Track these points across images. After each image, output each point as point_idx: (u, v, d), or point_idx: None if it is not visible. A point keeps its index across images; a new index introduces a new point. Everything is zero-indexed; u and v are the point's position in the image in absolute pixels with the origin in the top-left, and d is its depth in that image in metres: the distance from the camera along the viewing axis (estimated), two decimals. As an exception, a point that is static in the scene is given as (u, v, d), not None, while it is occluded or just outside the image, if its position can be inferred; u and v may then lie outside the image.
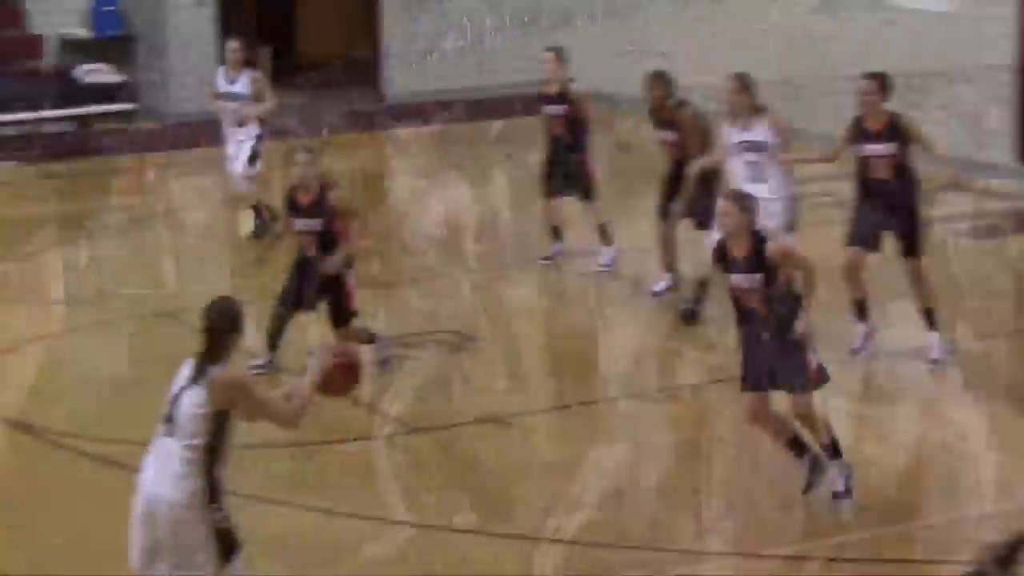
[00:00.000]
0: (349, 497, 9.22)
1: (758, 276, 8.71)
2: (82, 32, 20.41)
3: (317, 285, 11.02)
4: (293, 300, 11.15)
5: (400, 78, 21.37)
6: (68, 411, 10.79)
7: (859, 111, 11.29)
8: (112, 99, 19.48)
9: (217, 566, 6.79)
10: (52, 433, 10.22)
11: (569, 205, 13.96)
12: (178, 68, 20.14)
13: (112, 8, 20.45)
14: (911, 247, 11.27)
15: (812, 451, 9.04)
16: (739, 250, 8.78)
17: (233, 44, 15.00)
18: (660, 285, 12.95)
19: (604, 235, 13.76)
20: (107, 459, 9.32)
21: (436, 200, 16.38)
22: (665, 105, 12.67)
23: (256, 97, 14.77)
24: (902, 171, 11.19)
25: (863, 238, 11.33)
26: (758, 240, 8.75)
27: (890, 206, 11.22)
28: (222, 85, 14.85)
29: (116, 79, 19.82)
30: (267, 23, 21.72)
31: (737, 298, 8.86)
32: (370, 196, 16.24)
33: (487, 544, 8.69)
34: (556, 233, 14.02)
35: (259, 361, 10.98)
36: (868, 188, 11.30)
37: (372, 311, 11.86)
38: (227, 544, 6.82)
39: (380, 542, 8.71)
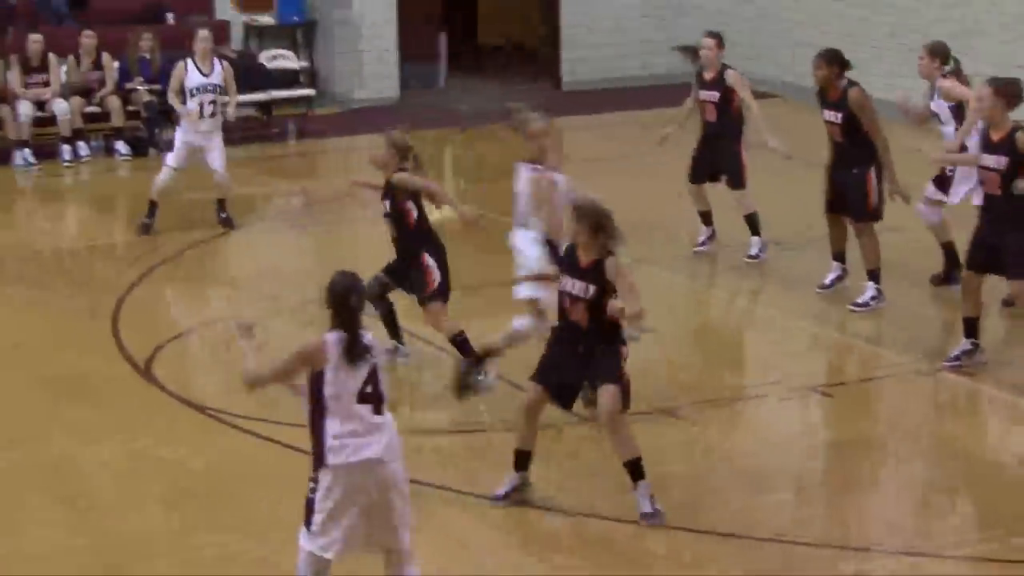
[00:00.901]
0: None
1: (591, 287, 8.77)
2: (266, 18, 20.76)
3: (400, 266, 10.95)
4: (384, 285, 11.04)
5: (577, 66, 21.41)
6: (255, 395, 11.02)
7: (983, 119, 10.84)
8: (294, 84, 19.78)
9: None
10: (237, 416, 10.41)
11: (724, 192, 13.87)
12: (360, 54, 20.40)
13: (298, -6, 20.81)
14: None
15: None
16: (584, 259, 8.84)
17: (203, 33, 14.87)
18: (830, 277, 12.82)
19: (752, 225, 13.70)
20: (292, 444, 9.41)
21: (600, 188, 16.34)
22: (834, 85, 12.42)
23: (227, 89, 14.78)
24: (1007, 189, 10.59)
25: (977, 263, 10.91)
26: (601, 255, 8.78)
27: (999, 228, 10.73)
28: (195, 78, 14.70)
29: (298, 65, 20.13)
30: (449, 10, 21.88)
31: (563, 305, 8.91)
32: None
33: (678, 539, 8.70)
34: (705, 219, 13.97)
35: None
36: (983, 203, 10.95)
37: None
38: None
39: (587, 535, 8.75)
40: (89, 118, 17.95)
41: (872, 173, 12.19)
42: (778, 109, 17.40)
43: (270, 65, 19.74)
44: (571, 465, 9.59)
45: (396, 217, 10.84)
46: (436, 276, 10.79)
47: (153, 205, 14.83)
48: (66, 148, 17.66)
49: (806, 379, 11.15)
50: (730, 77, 13.55)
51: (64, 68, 18.08)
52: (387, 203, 10.87)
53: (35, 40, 17.84)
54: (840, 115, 12.20)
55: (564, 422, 9.85)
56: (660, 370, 11.15)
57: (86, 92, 17.94)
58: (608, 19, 21.40)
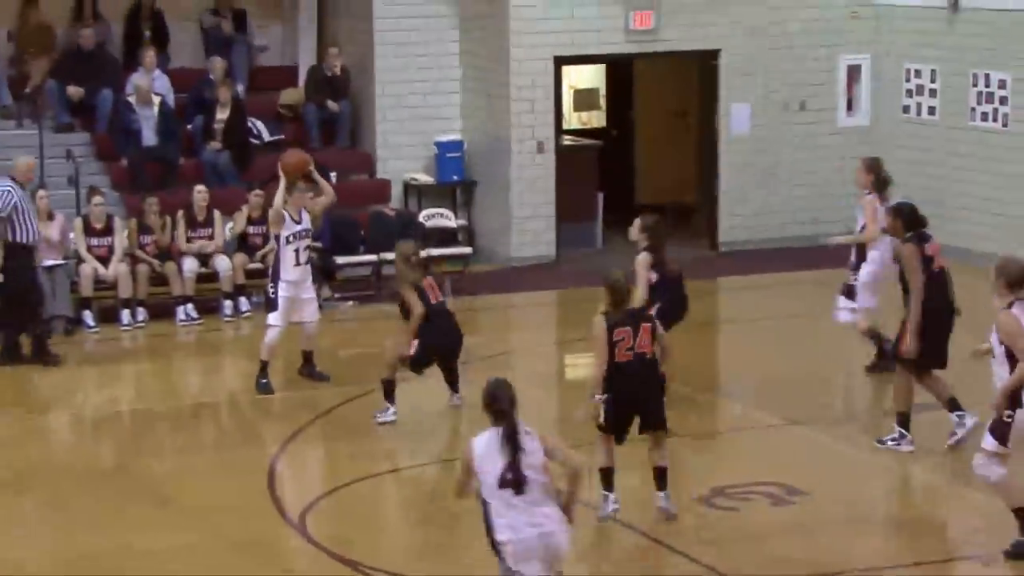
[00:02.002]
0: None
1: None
2: (426, 177, 21.05)
3: None
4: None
5: (734, 227, 21.37)
6: (392, 546, 11.00)
7: None
8: (451, 242, 19.97)
9: None
10: (368, 568, 10.36)
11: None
12: (516, 213, 20.56)
13: (458, 155, 21.05)
14: None
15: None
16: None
17: (302, 185, 15.13)
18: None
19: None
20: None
21: (762, 348, 16.25)
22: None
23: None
24: None
25: None
26: None
27: None
28: (291, 225, 14.86)
29: (456, 223, 20.34)
30: (607, 170, 22.01)
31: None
32: (699, 344, 16.17)
33: None
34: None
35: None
36: None
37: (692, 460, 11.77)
38: None
39: None
40: (250, 274, 18.23)
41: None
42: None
43: (428, 223, 19.97)
44: None
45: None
46: None
47: (265, 364, 14.96)
48: (227, 303, 17.94)
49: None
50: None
51: (229, 225, 18.43)
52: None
53: (200, 191, 18.23)
54: None
55: None
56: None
57: (249, 248, 18.25)
58: (762, 180, 21.37)
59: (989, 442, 10.55)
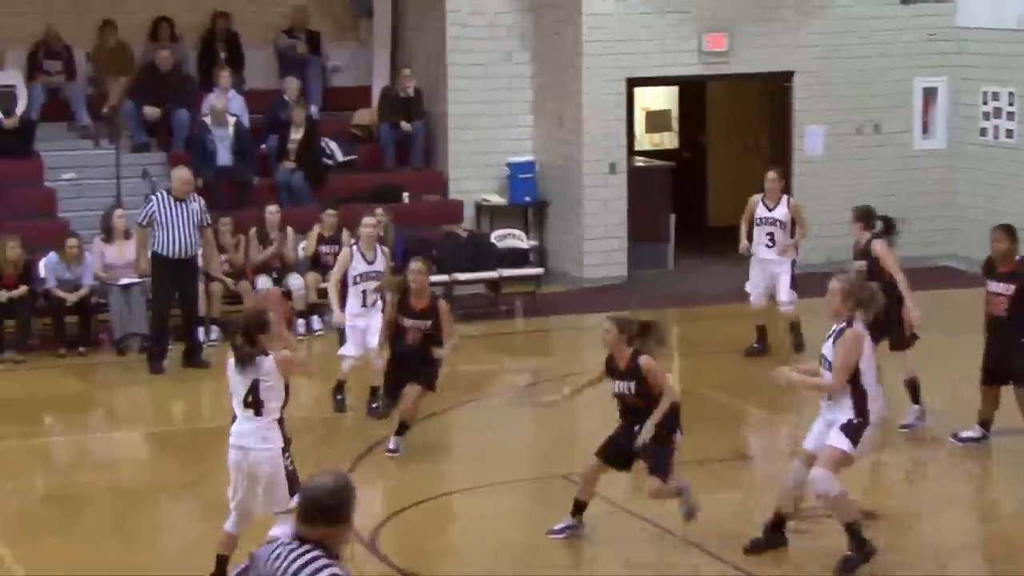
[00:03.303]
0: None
1: (633, 383, 11.14)
2: (498, 198, 21.09)
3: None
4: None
5: (807, 249, 21.26)
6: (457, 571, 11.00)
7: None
8: (523, 263, 19.99)
9: None
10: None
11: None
12: (588, 234, 20.56)
13: (530, 176, 21.09)
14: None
15: None
16: (621, 363, 11.21)
17: (368, 220, 14.93)
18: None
19: (913, 391, 13.74)
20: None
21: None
22: (1010, 259, 12.96)
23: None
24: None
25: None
26: (634, 355, 11.14)
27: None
28: (360, 266, 14.70)
29: (527, 244, 20.37)
30: (679, 192, 21.98)
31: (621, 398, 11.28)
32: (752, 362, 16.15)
33: None
34: (912, 393, 13.85)
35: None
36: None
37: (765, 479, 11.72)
38: None
39: None
40: (322, 293, 18.30)
41: None
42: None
43: (500, 244, 20.00)
44: None
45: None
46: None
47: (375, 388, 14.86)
48: (300, 322, 18.01)
49: None
50: (875, 249, 14.06)
51: (302, 244, 18.52)
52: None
53: (272, 211, 18.34)
54: (1012, 287, 12.71)
55: None
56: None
57: (322, 268, 18.34)
58: (835, 203, 21.26)
59: (840, 441, 10.51)
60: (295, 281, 18.14)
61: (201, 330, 17.44)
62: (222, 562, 10.50)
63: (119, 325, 17.25)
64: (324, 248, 18.40)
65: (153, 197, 16.69)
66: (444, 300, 14.04)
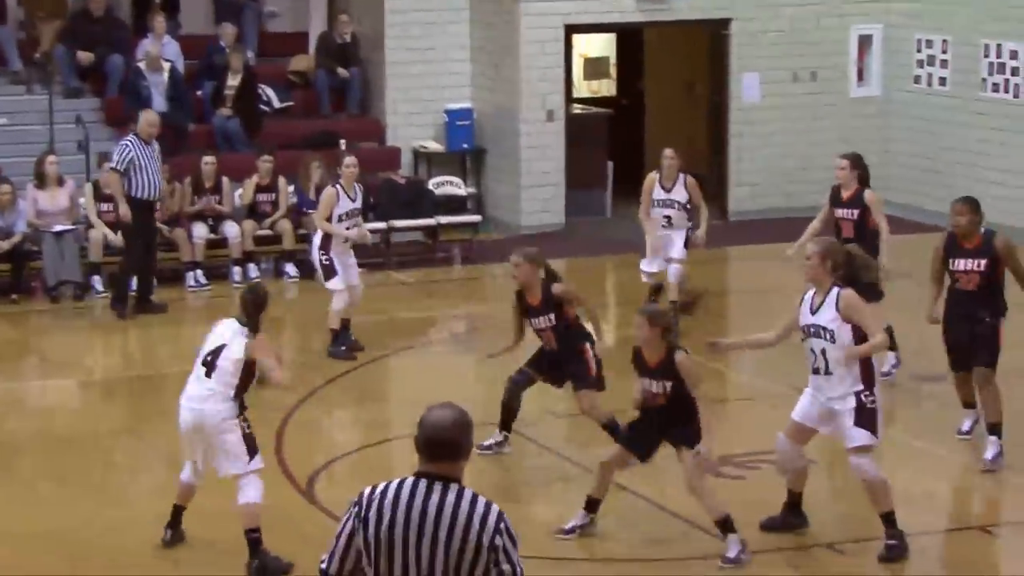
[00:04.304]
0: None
1: (668, 383, 10.07)
2: (435, 145, 21.03)
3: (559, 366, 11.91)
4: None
5: (743, 196, 21.37)
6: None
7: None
8: (460, 210, 19.98)
9: None
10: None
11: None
12: (525, 181, 20.55)
13: (467, 123, 21.03)
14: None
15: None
16: (652, 358, 10.11)
17: (350, 159, 15.19)
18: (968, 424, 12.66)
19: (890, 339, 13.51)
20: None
21: (770, 318, 16.21)
22: (975, 232, 12.04)
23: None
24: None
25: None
26: (668, 351, 10.05)
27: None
28: (345, 204, 14.92)
29: (465, 191, 20.35)
30: (617, 139, 21.98)
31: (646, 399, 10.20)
32: (708, 313, 16.18)
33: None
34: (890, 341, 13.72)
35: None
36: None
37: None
38: None
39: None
40: (259, 240, 18.24)
41: (1002, 323, 12.01)
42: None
43: (438, 191, 19.97)
44: None
45: (560, 323, 11.64)
46: (594, 367, 11.71)
47: (337, 332, 14.95)
48: (236, 270, 17.94)
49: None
50: (867, 197, 13.81)
51: (238, 192, 18.42)
52: (551, 316, 11.65)
53: (208, 162, 18.22)
54: (983, 261, 11.92)
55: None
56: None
57: (258, 216, 18.26)
58: (771, 150, 21.34)
59: (862, 436, 10.10)
60: (231, 229, 18.04)
61: (190, 275, 17.59)
62: (177, 511, 10.49)
63: (52, 272, 17.12)
64: (261, 196, 18.32)
65: (127, 141, 16.54)
66: (558, 284, 11.97)
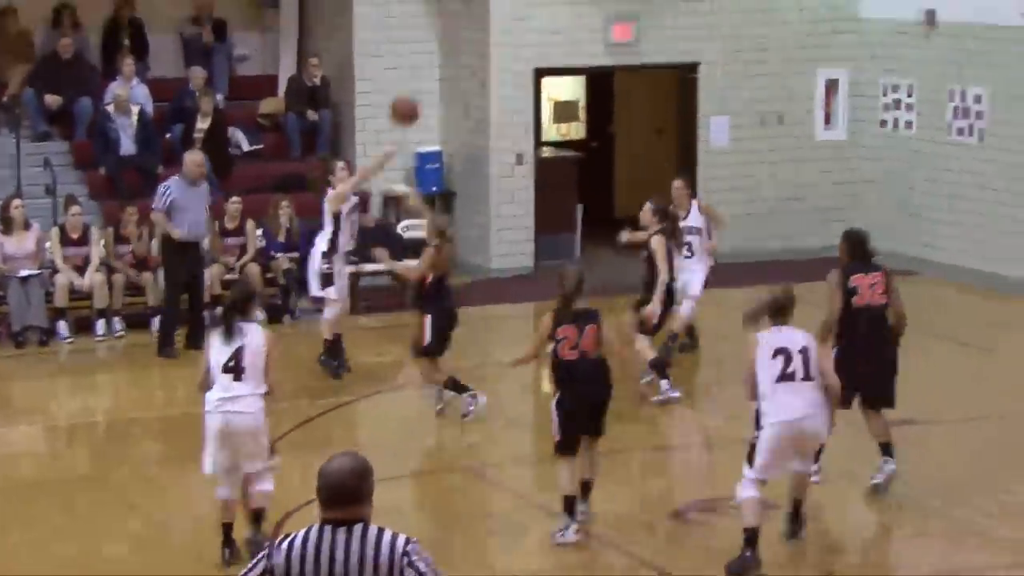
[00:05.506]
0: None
1: None
2: (405, 188, 20.94)
3: None
4: None
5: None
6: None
7: None
8: (429, 254, 19.93)
9: None
10: None
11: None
12: (495, 225, 20.57)
13: (437, 166, 21.06)
14: None
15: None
16: None
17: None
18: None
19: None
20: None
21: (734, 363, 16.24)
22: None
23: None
24: None
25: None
26: None
27: None
28: (350, 199, 15.67)
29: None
30: (586, 182, 22.03)
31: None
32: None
33: None
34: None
35: None
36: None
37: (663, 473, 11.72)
38: None
39: None
40: (226, 285, 18.19)
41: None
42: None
43: (407, 234, 19.95)
44: None
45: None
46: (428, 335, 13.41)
47: (330, 343, 15.41)
48: (205, 314, 17.86)
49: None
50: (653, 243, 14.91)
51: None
52: None
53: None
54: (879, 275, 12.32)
55: None
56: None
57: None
58: (743, 193, 21.42)
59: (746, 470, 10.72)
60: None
61: (101, 323, 17.38)
62: (228, 529, 10.81)
63: (17, 318, 17.06)
64: (229, 240, 18.31)
65: (169, 183, 16.85)
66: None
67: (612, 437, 11.90)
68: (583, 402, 11.22)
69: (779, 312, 10.78)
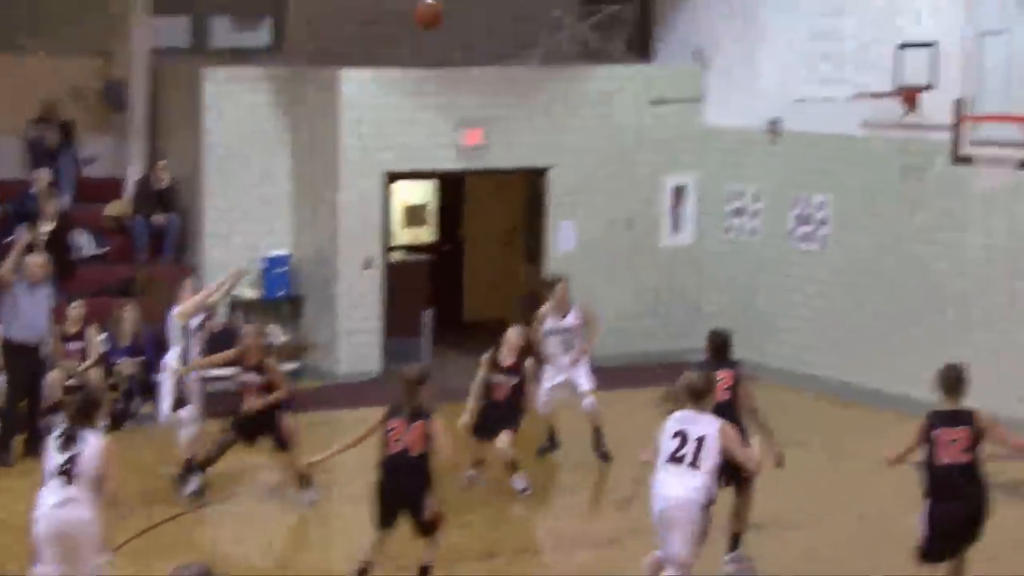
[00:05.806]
0: None
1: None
2: (251, 293, 20.91)
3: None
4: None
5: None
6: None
7: None
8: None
9: None
10: None
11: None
12: (342, 329, 20.50)
13: (284, 269, 20.98)
14: None
15: None
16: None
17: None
18: None
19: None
20: None
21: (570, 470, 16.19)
22: None
23: None
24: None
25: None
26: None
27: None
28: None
29: (282, 339, 20.22)
30: (436, 286, 22.06)
31: None
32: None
33: None
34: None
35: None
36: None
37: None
38: None
39: None
40: (68, 390, 17.86)
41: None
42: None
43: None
44: None
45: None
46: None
47: (189, 466, 15.29)
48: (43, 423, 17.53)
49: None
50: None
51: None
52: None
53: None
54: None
55: None
56: None
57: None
58: (587, 298, 21.56)
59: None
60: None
61: None
62: None
63: None
64: (70, 345, 18.01)
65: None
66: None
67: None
68: (394, 497, 11.80)
69: (693, 396, 11.10)
